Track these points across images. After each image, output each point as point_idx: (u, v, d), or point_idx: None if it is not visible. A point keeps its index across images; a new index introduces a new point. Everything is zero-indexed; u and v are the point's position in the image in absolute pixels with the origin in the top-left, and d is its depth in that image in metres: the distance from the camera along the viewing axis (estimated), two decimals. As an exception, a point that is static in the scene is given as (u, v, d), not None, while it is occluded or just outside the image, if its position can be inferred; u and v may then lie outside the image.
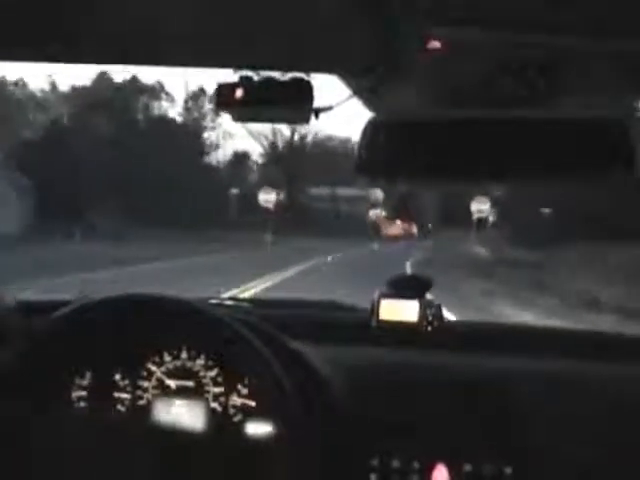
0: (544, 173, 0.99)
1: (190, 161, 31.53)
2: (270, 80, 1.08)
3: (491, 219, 28.86)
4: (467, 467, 1.22)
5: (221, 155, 37.80)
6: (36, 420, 1.24)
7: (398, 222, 41.79)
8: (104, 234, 20.66)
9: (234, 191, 32.86)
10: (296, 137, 39.36)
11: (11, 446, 1.21)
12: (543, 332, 1.78)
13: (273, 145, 39.40)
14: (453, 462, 1.23)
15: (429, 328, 1.53)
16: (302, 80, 1.08)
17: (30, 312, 1.45)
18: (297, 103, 1.09)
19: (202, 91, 34.80)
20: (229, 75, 1.12)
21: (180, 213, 26.57)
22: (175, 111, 36.62)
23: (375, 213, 42.42)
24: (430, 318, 1.53)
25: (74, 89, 32.12)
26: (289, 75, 1.08)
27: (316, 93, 1.10)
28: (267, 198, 27.08)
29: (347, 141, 42.21)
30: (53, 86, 32.12)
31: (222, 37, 1.04)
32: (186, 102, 35.67)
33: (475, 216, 24.92)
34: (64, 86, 37.26)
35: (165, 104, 35.54)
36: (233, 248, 21.23)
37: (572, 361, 1.43)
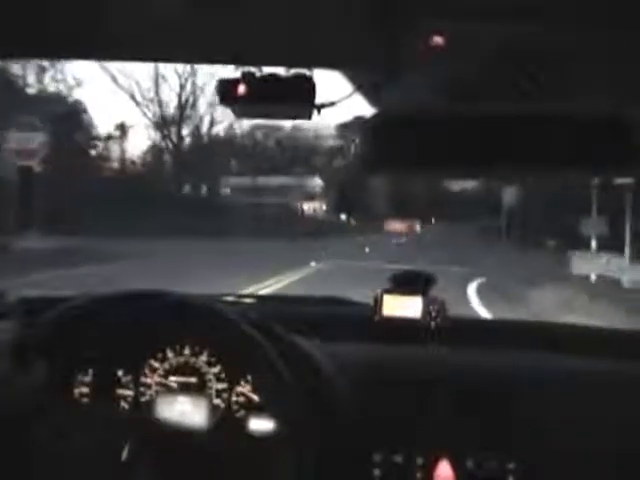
0: (545, 167, 0.99)
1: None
2: (272, 76, 1.08)
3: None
4: (470, 463, 1.22)
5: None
6: (38, 417, 1.25)
7: (399, 220, 39.89)
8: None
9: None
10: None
11: (13, 444, 1.21)
12: (546, 328, 1.78)
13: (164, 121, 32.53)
14: (456, 457, 1.23)
15: (432, 324, 1.53)
16: (304, 76, 1.08)
17: (31, 308, 1.45)
18: (299, 99, 1.09)
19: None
20: (231, 71, 1.12)
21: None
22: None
23: (313, 206, 36.57)
24: (433, 314, 1.53)
25: None
26: (291, 71, 1.08)
27: (318, 89, 1.10)
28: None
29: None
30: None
31: (224, 33, 1.03)
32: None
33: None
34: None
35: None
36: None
37: (576, 358, 1.43)
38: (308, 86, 1.08)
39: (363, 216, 36.68)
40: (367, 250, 19.63)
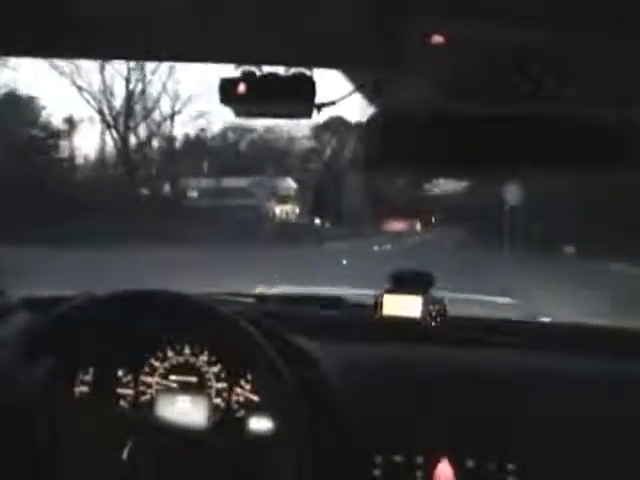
0: (546, 168, 0.99)
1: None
2: (272, 75, 1.08)
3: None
4: (470, 463, 1.22)
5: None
6: (39, 416, 1.25)
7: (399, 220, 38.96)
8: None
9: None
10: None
11: (14, 442, 1.21)
12: (546, 328, 1.78)
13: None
14: (456, 458, 1.23)
15: (432, 323, 1.53)
16: (304, 75, 1.08)
17: (33, 308, 1.45)
18: (299, 98, 1.09)
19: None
20: (231, 70, 1.12)
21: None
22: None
23: (285, 209, 33.74)
24: (433, 314, 1.53)
25: None
26: (292, 70, 1.08)
27: (318, 88, 1.10)
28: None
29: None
30: None
31: (224, 32, 1.03)
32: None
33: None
34: None
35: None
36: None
37: (576, 357, 1.43)
38: (308, 85, 1.08)
39: (340, 220, 33.72)
40: (344, 262, 14.40)
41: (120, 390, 1.32)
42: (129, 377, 1.33)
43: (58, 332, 1.27)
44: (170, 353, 1.34)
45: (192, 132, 34.16)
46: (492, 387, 1.33)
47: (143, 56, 1.21)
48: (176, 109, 30.51)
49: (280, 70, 1.09)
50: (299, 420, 1.16)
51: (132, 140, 28.89)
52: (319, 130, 39.70)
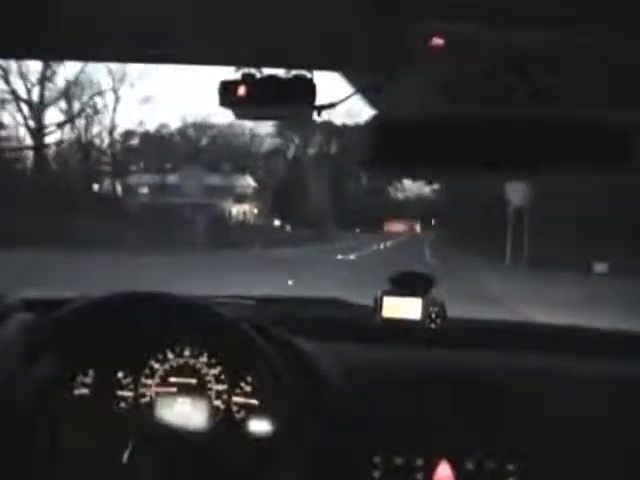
0: (545, 169, 0.99)
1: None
2: (273, 78, 1.08)
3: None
4: (470, 464, 1.22)
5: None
6: (39, 418, 1.25)
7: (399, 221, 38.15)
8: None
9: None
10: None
11: (13, 445, 1.21)
12: (546, 330, 1.78)
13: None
14: (456, 459, 1.23)
15: (432, 325, 1.53)
16: (305, 78, 1.08)
17: (33, 310, 1.45)
18: (300, 101, 1.09)
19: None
20: (231, 72, 1.12)
21: None
22: None
23: (242, 209, 31.34)
24: (433, 315, 1.53)
25: None
26: (292, 73, 1.08)
27: (318, 90, 1.10)
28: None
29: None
30: None
31: (224, 34, 1.03)
32: None
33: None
34: None
35: None
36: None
37: (575, 358, 1.43)
38: (308, 87, 1.08)
39: (304, 222, 30.80)
40: (290, 283, 9.31)
41: (120, 392, 1.32)
42: (129, 379, 1.33)
43: (58, 334, 1.27)
44: (170, 355, 1.34)
45: (152, 128, 32.74)
46: (491, 388, 1.33)
47: (141, 58, 1.21)
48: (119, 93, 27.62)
49: (280, 72, 1.09)
50: (299, 422, 1.16)
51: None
52: (283, 128, 38.34)
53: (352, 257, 19.78)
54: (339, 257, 19.00)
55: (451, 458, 1.23)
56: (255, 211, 32.64)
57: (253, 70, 1.09)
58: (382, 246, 28.19)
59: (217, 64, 1.14)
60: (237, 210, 31.74)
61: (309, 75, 1.08)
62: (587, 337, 1.63)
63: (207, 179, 26.97)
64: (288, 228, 32.26)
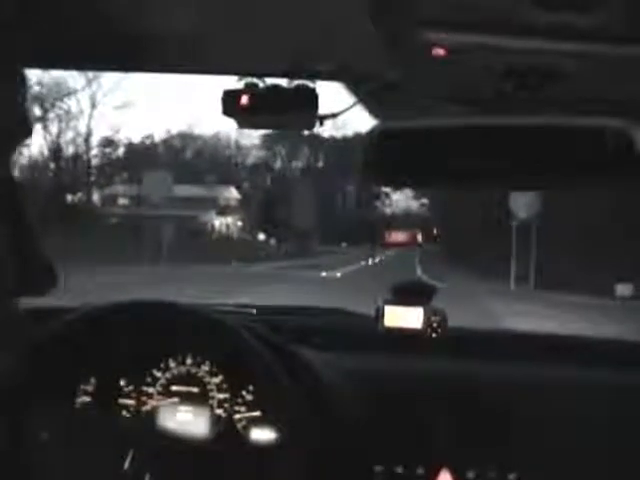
0: (547, 179, 0.99)
1: None
2: (276, 87, 1.09)
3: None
4: (471, 473, 1.22)
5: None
6: (40, 426, 1.25)
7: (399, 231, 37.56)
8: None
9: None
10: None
11: (14, 452, 1.21)
12: (547, 339, 1.78)
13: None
14: (457, 468, 1.22)
15: (434, 335, 1.53)
16: (307, 87, 1.08)
17: (35, 318, 1.45)
18: (302, 110, 1.10)
19: None
20: (233, 82, 1.13)
21: None
22: None
23: (225, 222, 29.76)
24: (435, 325, 1.53)
25: None
26: (294, 82, 1.08)
27: (321, 100, 1.11)
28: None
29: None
30: None
31: (226, 44, 1.04)
32: None
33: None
34: None
35: None
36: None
37: (576, 368, 1.43)
38: (311, 97, 1.09)
39: (285, 236, 29.26)
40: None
41: (122, 400, 1.32)
42: (131, 387, 1.33)
43: (59, 342, 1.28)
44: (172, 364, 1.34)
45: (136, 140, 31.99)
46: (492, 397, 1.33)
47: (145, 68, 1.22)
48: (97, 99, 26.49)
49: (283, 82, 1.10)
50: (300, 431, 1.16)
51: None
52: (269, 140, 37.90)
53: (338, 275, 18.43)
54: (323, 274, 17.72)
55: (452, 467, 1.22)
56: (239, 224, 31.19)
57: (256, 79, 1.10)
58: (370, 262, 27.39)
59: (220, 73, 1.15)
60: (220, 222, 30.29)
61: (312, 85, 1.09)
62: (588, 347, 1.63)
63: (187, 189, 25.83)
64: (272, 242, 30.90)
